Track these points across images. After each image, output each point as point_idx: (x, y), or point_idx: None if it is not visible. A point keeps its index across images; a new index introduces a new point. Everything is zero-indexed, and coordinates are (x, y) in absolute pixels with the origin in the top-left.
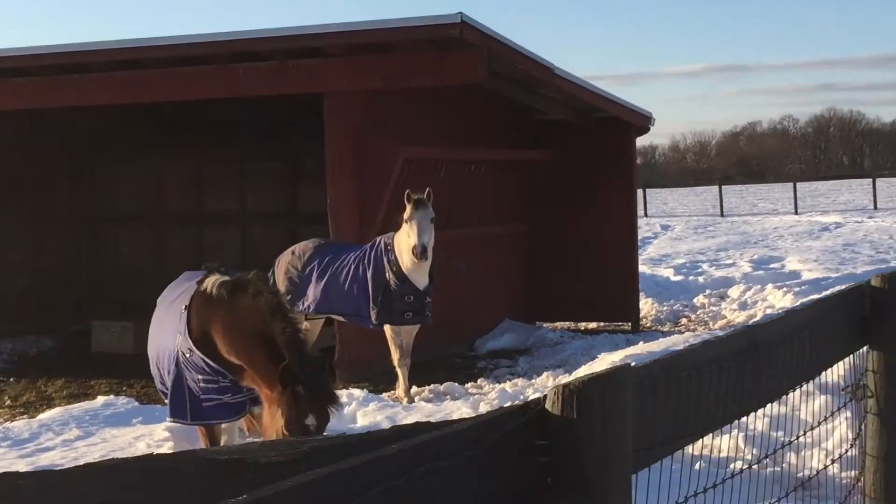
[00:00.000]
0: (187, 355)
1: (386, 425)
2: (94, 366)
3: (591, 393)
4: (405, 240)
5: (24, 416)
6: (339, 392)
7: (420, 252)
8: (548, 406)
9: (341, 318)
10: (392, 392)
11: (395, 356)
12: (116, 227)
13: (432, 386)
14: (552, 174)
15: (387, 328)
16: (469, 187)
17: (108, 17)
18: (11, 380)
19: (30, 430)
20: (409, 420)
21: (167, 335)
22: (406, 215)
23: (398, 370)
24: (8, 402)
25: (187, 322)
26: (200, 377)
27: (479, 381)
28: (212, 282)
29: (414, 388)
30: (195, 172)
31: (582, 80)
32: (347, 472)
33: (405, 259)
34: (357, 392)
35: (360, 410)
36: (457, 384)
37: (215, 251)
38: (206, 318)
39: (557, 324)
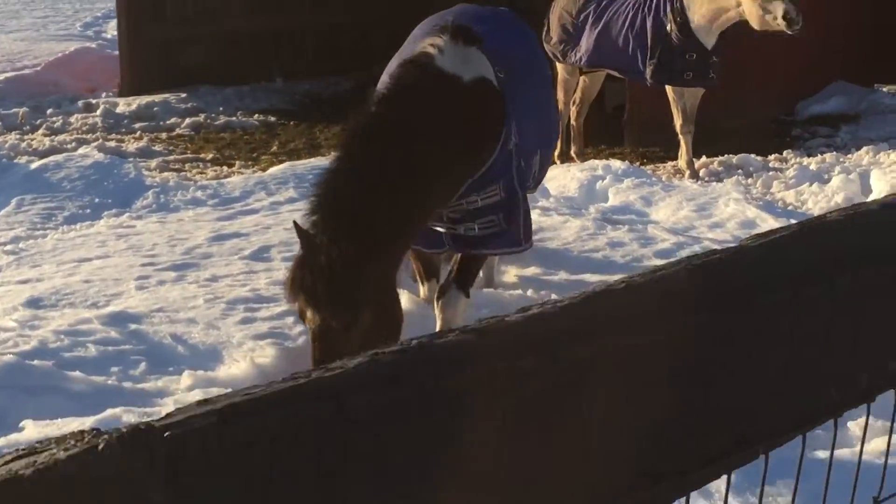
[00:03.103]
0: None
1: (639, 206)
2: None
3: None
4: None
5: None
6: (595, 162)
7: None
8: None
9: (616, 74)
10: (675, 162)
11: (677, 121)
12: None
13: (724, 157)
14: None
15: (668, 89)
16: None
17: None
18: (291, 123)
19: (244, 187)
20: (665, 203)
21: None
22: None
23: (680, 138)
24: (274, 149)
25: None
26: None
27: (785, 152)
28: (422, 46)
29: (703, 159)
30: None
31: None
32: None
33: (696, 8)
34: (616, 164)
35: (613, 187)
36: (754, 156)
37: None
38: None
39: None
